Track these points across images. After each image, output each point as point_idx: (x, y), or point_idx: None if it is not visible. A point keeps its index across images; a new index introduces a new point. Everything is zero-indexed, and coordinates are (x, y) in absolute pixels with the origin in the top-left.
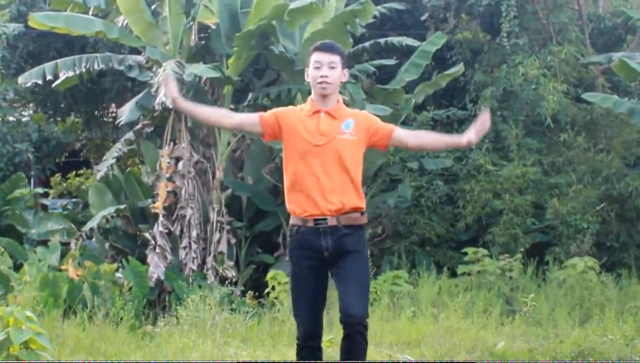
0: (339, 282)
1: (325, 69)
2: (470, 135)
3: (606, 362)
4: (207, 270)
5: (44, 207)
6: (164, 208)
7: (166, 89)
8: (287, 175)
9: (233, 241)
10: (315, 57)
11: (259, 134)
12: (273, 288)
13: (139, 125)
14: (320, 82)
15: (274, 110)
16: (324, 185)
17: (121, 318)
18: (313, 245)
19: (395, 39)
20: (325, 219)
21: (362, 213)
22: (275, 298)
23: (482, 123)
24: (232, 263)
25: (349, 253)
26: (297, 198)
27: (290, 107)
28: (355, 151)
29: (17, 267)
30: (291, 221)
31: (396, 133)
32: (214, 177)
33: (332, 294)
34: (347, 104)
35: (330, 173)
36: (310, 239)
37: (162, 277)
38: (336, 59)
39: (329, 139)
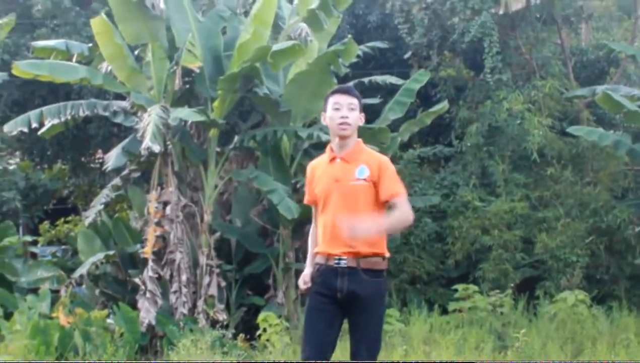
0: (352, 337)
1: (345, 110)
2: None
3: None
4: (198, 313)
5: (33, 255)
6: (153, 253)
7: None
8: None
9: (223, 284)
10: (334, 99)
11: None
12: (264, 330)
13: (126, 171)
14: (341, 123)
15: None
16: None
17: None
18: (329, 284)
19: (379, 78)
20: (343, 259)
21: (383, 259)
22: (267, 340)
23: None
24: (222, 306)
25: (364, 306)
26: (322, 239)
27: (318, 158)
28: (370, 195)
29: (8, 316)
30: (316, 259)
31: (394, 201)
32: (202, 220)
33: None
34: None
35: (346, 216)
36: (328, 278)
37: (153, 322)
38: (355, 101)
39: (342, 184)
